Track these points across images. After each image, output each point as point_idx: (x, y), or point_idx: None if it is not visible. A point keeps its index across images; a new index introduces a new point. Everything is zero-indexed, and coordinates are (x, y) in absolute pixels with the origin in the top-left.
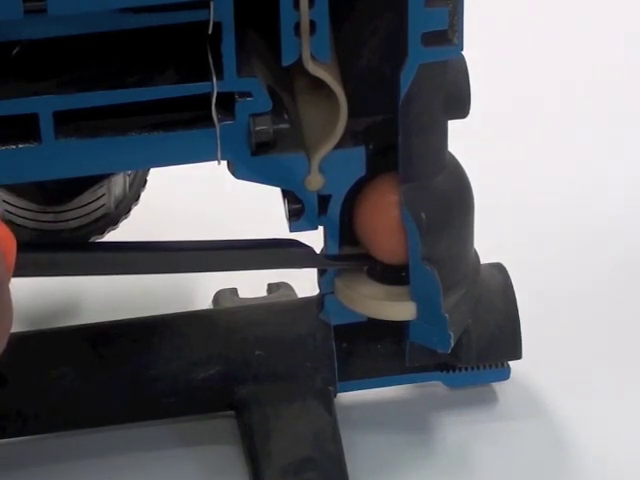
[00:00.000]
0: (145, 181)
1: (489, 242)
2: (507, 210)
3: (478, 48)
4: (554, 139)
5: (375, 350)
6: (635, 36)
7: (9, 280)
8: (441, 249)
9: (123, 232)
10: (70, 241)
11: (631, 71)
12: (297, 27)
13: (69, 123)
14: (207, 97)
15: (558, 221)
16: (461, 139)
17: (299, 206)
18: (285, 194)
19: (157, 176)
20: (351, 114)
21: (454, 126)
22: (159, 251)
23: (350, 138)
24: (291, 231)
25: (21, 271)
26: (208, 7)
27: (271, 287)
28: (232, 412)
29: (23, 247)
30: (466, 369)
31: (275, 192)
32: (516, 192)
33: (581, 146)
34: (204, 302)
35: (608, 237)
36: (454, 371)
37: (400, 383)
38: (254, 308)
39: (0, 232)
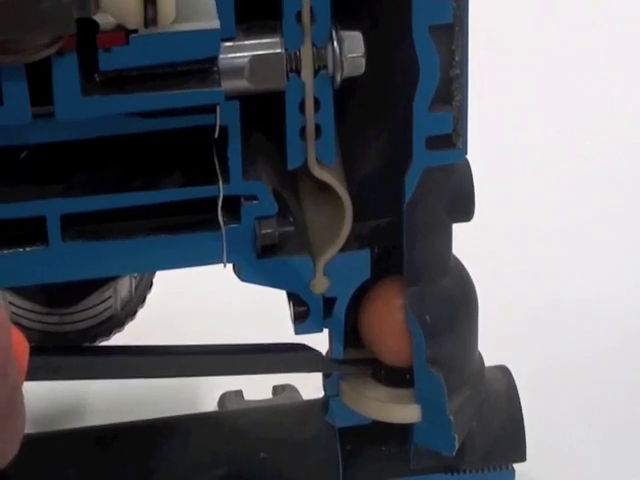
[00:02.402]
0: (151, 283)
1: (491, 341)
2: (509, 309)
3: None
4: (554, 225)
5: (380, 452)
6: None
7: (22, 384)
8: (446, 351)
9: (129, 335)
10: (77, 344)
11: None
12: (303, 131)
13: (76, 226)
14: (213, 200)
15: (561, 321)
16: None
17: (304, 309)
18: (290, 296)
19: (163, 279)
20: (356, 217)
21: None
22: (166, 355)
23: (355, 241)
24: (296, 333)
25: (30, 375)
26: (214, 112)
27: (276, 389)
28: None
29: (33, 351)
30: (470, 471)
31: (280, 294)
32: (517, 292)
33: (579, 231)
34: (210, 404)
35: (610, 327)
36: (459, 473)
37: None
38: (259, 410)
39: (13, 336)
